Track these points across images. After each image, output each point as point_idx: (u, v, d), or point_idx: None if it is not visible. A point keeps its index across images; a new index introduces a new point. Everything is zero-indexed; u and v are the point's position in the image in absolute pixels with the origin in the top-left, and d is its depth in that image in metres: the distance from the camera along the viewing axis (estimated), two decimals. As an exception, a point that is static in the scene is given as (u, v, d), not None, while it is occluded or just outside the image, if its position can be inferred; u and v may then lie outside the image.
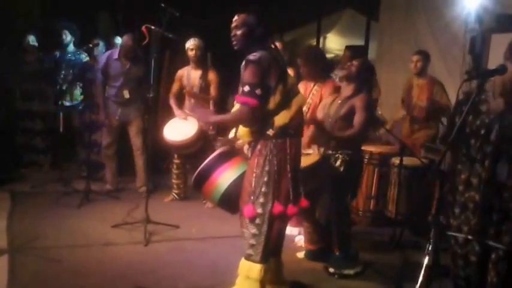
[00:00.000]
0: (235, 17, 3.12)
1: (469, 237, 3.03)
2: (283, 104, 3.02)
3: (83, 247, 4.18)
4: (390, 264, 4.08)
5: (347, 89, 3.91)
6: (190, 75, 5.42)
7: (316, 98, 4.32)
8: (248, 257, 3.10)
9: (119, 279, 3.64)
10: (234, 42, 3.11)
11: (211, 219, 4.92)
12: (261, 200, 3.02)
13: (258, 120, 3.01)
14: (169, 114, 5.43)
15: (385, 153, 5.04)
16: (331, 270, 3.86)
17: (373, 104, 3.99)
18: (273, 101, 2.99)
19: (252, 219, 3.04)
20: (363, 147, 4.42)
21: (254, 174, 3.03)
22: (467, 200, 3.04)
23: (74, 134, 6.45)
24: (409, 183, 4.73)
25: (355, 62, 3.90)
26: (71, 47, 6.30)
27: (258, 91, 2.91)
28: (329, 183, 3.77)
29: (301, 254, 4.20)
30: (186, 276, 3.73)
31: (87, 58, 6.19)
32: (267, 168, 3.01)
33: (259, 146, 3.04)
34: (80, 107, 6.32)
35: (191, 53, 5.32)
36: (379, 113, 5.13)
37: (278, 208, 3.02)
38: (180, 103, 5.47)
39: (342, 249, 3.86)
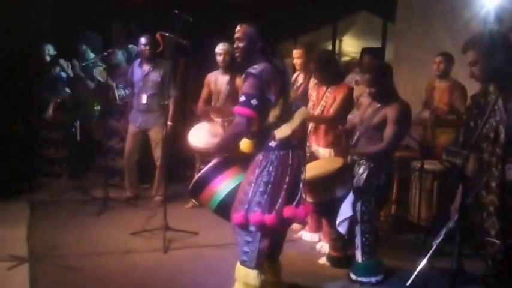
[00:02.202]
0: (237, 28, 3.13)
1: (496, 240, 2.98)
2: (285, 117, 3.03)
3: (103, 255, 4.18)
4: (413, 270, 4.00)
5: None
6: (218, 80, 5.32)
7: (329, 100, 4.30)
8: (243, 263, 3.13)
9: (138, 287, 3.64)
10: (237, 54, 3.14)
11: (230, 226, 4.87)
12: (255, 208, 3.02)
13: (259, 132, 3.02)
14: (189, 121, 5.39)
15: (406, 157, 4.96)
16: (353, 277, 3.80)
17: (408, 115, 3.76)
18: (274, 114, 3.00)
19: (242, 227, 3.06)
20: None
21: (250, 184, 3.05)
22: (489, 204, 3.00)
23: (92, 143, 6.47)
24: (431, 187, 4.65)
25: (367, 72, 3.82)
26: (90, 56, 6.35)
27: (253, 101, 2.91)
28: (352, 190, 3.70)
29: (323, 260, 4.15)
30: (206, 284, 3.71)
31: (102, 67, 6.23)
32: (265, 179, 3.02)
33: (260, 157, 3.05)
34: (97, 115, 6.38)
35: (219, 58, 5.22)
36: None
37: (273, 219, 3.00)
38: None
39: (365, 256, 3.79)
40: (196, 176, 3.38)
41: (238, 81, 5.16)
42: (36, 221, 4.93)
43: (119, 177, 6.21)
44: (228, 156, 3.28)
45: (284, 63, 3.29)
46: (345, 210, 3.73)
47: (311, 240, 4.62)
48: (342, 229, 3.77)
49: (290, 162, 3.03)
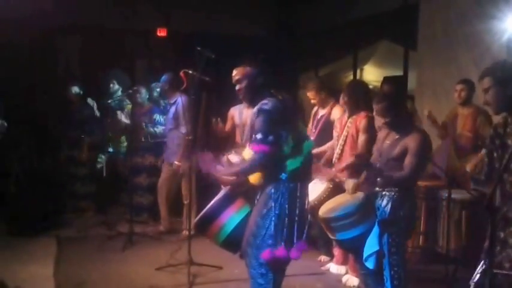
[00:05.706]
0: (234, 71, 3.19)
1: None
2: (295, 150, 3.07)
3: (129, 291, 4.18)
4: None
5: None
6: (242, 113, 5.32)
7: (351, 129, 4.28)
8: None
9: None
10: (241, 96, 3.22)
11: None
12: (269, 241, 3.02)
13: (269, 164, 3.05)
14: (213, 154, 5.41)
15: (433, 187, 4.87)
16: (383, 311, 3.69)
17: (428, 144, 3.66)
18: (285, 147, 3.04)
19: (268, 261, 3.03)
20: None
21: (263, 217, 3.06)
22: (507, 236, 2.90)
23: (118, 178, 6.53)
24: (459, 216, 4.55)
25: (377, 101, 3.67)
26: (118, 94, 6.49)
27: (270, 138, 2.97)
28: (377, 223, 3.61)
29: (350, 294, 4.07)
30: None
31: (129, 104, 6.34)
32: (277, 211, 3.03)
33: (272, 190, 3.06)
34: (124, 151, 6.47)
35: None
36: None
37: (284, 251, 3.01)
38: (232, 141, 5.44)
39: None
40: (202, 211, 3.38)
41: None
42: (63, 258, 4.96)
43: (146, 214, 6.27)
44: (233, 189, 3.31)
45: (288, 96, 3.30)
46: (371, 244, 3.64)
47: (338, 272, 4.54)
48: (370, 264, 3.67)
49: (298, 195, 3.06)
